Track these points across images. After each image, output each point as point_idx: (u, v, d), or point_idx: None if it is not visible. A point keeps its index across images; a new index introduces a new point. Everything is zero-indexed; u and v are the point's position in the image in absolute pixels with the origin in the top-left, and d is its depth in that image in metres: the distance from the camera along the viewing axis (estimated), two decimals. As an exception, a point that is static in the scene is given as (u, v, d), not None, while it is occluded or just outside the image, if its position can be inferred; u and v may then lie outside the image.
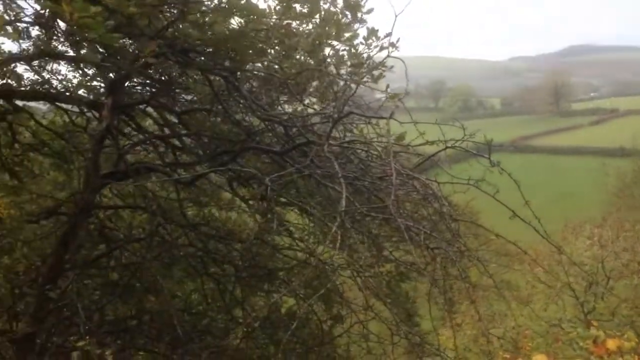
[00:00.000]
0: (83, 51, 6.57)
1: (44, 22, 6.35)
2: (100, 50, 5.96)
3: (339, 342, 6.78)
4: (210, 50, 5.32)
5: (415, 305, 7.97)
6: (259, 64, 5.92)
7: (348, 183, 4.35)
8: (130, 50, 5.50)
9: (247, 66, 5.79)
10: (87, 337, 4.65)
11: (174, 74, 6.29)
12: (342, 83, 5.71)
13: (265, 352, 6.69)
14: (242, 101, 5.79)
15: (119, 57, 5.55)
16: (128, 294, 6.21)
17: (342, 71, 5.75)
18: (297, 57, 5.56)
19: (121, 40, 5.77)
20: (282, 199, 6.16)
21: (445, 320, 11.02)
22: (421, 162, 5.09)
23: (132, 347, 6.11)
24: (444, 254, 4.75)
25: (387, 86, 4.78)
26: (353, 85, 5.33)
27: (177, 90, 6.56)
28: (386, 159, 4.58)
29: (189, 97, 6.91)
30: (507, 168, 4.65)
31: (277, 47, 5.39)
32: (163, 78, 6.34)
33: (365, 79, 5.54)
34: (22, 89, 6.27)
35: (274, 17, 5.00)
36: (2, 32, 4.31)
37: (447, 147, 4.77)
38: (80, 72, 7.03)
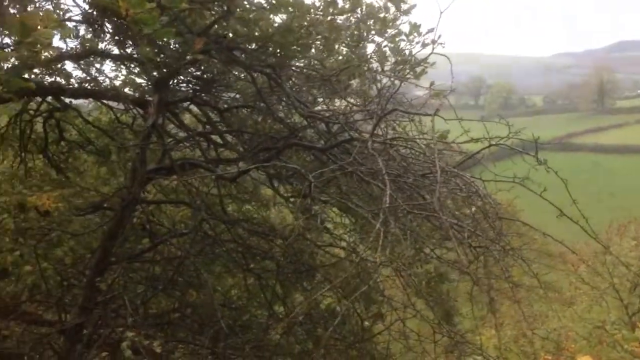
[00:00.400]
0: (129, 50, 6.75)
1: (92, 21, 6.52)
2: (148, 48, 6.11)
3: (378, 339, 6.76)
4: (254, 47, 5.37)
5: (457, 304, 7.89)
6: (300, 62, 5.96)
7: (391, 180, 4.33)
8: (175, 48, 5.60)
9: (290, 63, 5.84)
10: (134, 329, 4.76)
11: (216, 71, 6.37)
12: (385, 80, 5.69)
13: (305, 348, 6.71)
14: (284, 98, 5.82)
15: (164, 55, 5.66)
16: (171, 288, 6.32)
17: (385, 68, 5.74)
18: (339, 54, 5.57)
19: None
20: (324, 197, 6.19)
21: (485, 320, 10.90)
22: (464, 159, 5.03)
23: (175, 340, 6.21)
24: (487, 252, 4.69)
25: (432, 83, 4.74)
26: (396, 82, 5.30)
27: (219, 88, 6.63)
28: (430, 156, 4.54)
29: (231, 95, 6.99)
30: (551, 166, 4.56)
31: (319, 43, 5.40)
32: (206, 76, 6.43)
33: (407, 76, 5.52)
34: (71, 86, 6.45)
35: (319, 12, 5.01)
36: (55, 32, 4.41)
37: (491, 145, 4.71)
38: (126, 70, 7.21)
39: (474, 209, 5.07)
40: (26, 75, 5.41)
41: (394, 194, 4.37)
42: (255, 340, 6.45)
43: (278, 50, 5.25)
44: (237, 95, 6.68)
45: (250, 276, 6.38)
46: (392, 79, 5.20)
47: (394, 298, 6.59)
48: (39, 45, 4.23)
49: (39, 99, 7.35)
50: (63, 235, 6.87)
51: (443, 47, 5.16)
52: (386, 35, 5.59)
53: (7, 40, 5.18)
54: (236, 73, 6.40)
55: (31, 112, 7.40)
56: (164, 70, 5.66)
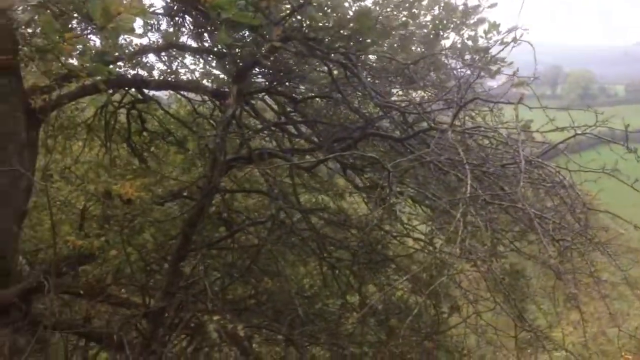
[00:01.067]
0: (207, 43, 6.92)
1: (173, 14, 6.73)
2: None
3: (452, 332, 6.69)
4: (331, 37, 5.39)
5: (530, 299, 7.69)
6: (373, 55, 5.94)
7: (470, 171, 4.25)
8: (252, 38, 5.70)
9: (364, 55, 5.83)
10: (215, 314, 4.91)
11: (292, 62, 6.43)
12: (461, 70, 5.60)
13: (378, 338, 6.72)
14: (360, 88, 5.81)
15: (241, 45, 5.78)
16: (247, 275, 6.47)
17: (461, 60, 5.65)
18: (418, 41, 5.51)
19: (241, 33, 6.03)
20: (399, 187, 6.14)
21: (562, 316, 10.53)
22: (548, 149, 4.87)
23: (253, 326, 6.37)
24: (572, 246, 4.53)
25: (516, 70, 4.60)
26: (474, 72, 5.20)
27: (294, 79, 6.70)
28: (512, 146, 4.43)
29: (305, 86, 7.04)
30: (632, 157, 4.34)
31: (397, 32, 5.35)
32: (281, 67, 6.50)
33: (486, 68, 5.40)
34: (153, 79, 6.69)
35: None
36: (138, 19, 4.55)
37: (577, 134, 4.54)
38: (204, 62, 7.41)
39: (557, 201, 4.92)
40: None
41: (473, 185, 4.29)
42: (328, 329, 6.52)
43: (356, 38, 5.24)
44: (312, 86, 6.73)
45: (324, 265, 6.43)
46: (472, 68, 5.08)
47: (469, 291, 6.49)
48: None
49: (122, 91, 7.69)
50: (145, 222, 7.16)
51: (519, 43, 5.04)
52: (464, 28, 5.52)
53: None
54: (308, 65, 6.45)
55: (115, 103, 7.74)
56: (242, 62, 5.77)
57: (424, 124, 5.61)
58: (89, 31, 4.94)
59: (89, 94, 7.08)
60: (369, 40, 4.93)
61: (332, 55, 5.44)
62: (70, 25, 4.26)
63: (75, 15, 4.88)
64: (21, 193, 6.54)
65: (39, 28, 3.94)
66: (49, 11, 3.47)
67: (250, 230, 6.24)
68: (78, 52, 3.69)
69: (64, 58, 3.94)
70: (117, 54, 4.63)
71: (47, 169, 7.04)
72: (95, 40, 4.42)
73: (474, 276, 6.25)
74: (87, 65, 3.91)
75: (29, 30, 4.44)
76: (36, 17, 3.51)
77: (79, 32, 4.97)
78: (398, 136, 5.14)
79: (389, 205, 5.76)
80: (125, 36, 5.47)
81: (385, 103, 5.57)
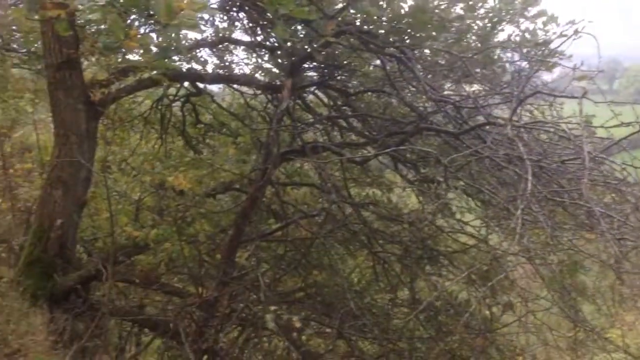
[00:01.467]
0: (260, 37, 6.99)
1: (228, 9, 6.81)
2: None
3: (505, 330, 6.58)
4: (384, 31, 5.37)
5: (581, 299, 7.50)
6: (427, 49, 5.88)
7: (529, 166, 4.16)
8: (306, 32, 5.72)
9: (423, 45, 5.77)
10: (270, 305, 4.98)
11: (344, 56, 6.43)
12: (519, 64, 5.50)
13: (427, 334, 6.68)
14: (414, 83, 5.76)
15: (296, 40, 5.80)
16: (298, 267, 6.52)
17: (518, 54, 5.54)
18: (475, 34, 5.43)
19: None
20: (451, 181, 6.08)
21: (617, 317, 10.23)
22: (610, 145, 4.72)
23: (306, 318, 6.43)
24: (637, 246, 4.38)
25: (579, 64, 4.47)
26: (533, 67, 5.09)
27: (348, 73, 6.69)
28: (575, 142, 4.32)
29: (357, 80, 7.03)
30: None
31: (454, 25, 5.28)
32: (334, 61, 6.51)
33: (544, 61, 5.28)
34: (208, 73, 6.80)
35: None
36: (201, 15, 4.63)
37: (643, 130, 4.38)
38: (256, 57, 7.49)
39: (618, 198, 4.78)
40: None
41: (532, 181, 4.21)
42: (378, 323, 6.51)
43: (409, 32, 5.20)
44: (363, 80, 6.71)
45: (374, 259, 6.42)
46: (531, 62, 4.97)
47: (524, 288, 6.37)
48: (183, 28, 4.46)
49: (177, 84, 7.86)
50: (197, 214, 7.30)
51: (580, 36, 4.91)
52: (522, 21, 5.41)
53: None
54: (361, 59, 6.43)
55: (170, 97, 7.92)
56: (295, 55, 5.80)
57: (479, 119, 5.54)
58: (149, 28, 5.05)
59: (146, 87, 7.26)
60: (424, 35, 4.88)
61: (386, 49, 5.42)
62: (132, 23, 4.37)
63: (136, 12, 5.00)
64: (81, 183, 6.77)
65: (102, 26, 4.05)
66: (115, 10, 3.57)
67: (302, 223, 6.27)
68: (142, 48, 3.78)
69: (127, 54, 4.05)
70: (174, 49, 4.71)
71: (106, 161, 7.25)
72: (154, 37, 4.52)
73: (527, 273, 6.13)
74: (150, 60, 4.01)
75: (93, 28, 4.56)
76: (101, 16, 3.61)
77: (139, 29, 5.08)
78: (454, 131, 5.07)
79: (441, 201, 5.73)
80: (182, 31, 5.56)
81: (439, 97, 5.51)
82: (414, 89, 6.07)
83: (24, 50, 9.65)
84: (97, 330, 6.53)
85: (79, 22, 4.16)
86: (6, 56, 11.23)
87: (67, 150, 6.53)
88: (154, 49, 3.99)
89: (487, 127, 4.99)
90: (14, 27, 9.97)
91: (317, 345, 7.34)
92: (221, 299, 5.69)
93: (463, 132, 4.99)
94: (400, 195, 7.47)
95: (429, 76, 6.00)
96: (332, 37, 4.87)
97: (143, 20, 5.32)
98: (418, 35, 4.99)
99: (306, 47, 5.20)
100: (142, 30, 5.40)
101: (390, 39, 5.43)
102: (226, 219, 7.32)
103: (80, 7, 3.17)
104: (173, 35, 4.10)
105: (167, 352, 8.54)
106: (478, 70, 5.82)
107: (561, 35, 5.06)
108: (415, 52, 5.74)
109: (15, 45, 11.17)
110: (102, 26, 4.00)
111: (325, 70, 6.61)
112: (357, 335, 6.02)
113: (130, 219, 7.15)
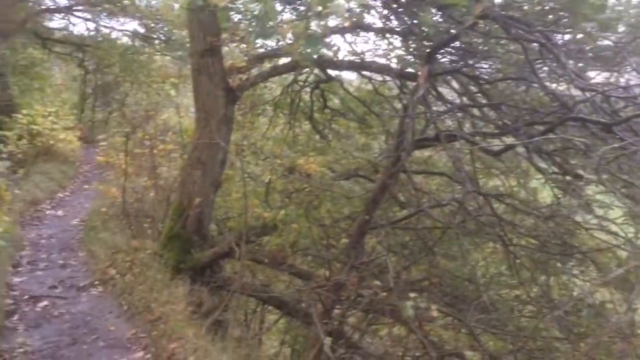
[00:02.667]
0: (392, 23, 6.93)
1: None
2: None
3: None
4: (533, 14, 5.13)
5: None
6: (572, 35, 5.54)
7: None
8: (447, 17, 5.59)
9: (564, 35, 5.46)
10: (396, 292, 4.97)
11: (479, 42, 6.22)
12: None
13: (566, 335, 6.37)
14: (558, 70, 5.45)
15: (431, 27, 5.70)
16: (425, 257, 6.46)
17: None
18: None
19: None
20: (590, 175, 5.72)
21: None
22: None
23: (426, 308, 6.35)
24: None
25: None
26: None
27: (482, 60, 6.48)
28: None
29: (491, 67, 6.79)
30: None
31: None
32: (468, 48, 6.31)
33: None
34: (343, 60, 6.86)
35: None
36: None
37: None
38: (387, 43, 7.43)
39: None
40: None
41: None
42: (504, 319, 6.30)
43: (560, 14, 4.92)
44: (500, 67, 6.46)
45: (506, 253, 6.19)
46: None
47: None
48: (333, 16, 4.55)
49: (307, 71, 8.03)
50: (325, 198, 7.45)
51: None
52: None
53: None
54: (499, 45, 6.18)
55: (300, 83, 8.12)
56: (432, 42, 5.69)
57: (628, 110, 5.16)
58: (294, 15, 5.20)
59: (280, 73, 7.50)
60: (580, 14, 4.59)
61: (530, 35, 5.17)
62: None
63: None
64: (218, 165, 7.14)
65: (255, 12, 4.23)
66: None
67: (432, 212, 6.18)
68: (292, 35, 3.91)
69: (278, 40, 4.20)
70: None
71: (240, 144, 7.58)
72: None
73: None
74: (296, 48, 4.13)
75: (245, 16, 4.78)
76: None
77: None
78: (608, 121, 4.74)
79: (586, 196, 5.40)
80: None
81: (587, 86, 5.17)
82: (556, 76, 5.75)
83: (165, 39, 10.34)
84: (228, 305, 6.88)
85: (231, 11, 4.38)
86: (150, 44, 12.08)
87: (207, 133, 6.91)
88: (302, 37, 4.11)
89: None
90: (157, 17, 10.72)
91: (438, 335, 7.26)
92: (350, 282, 5.77)
93: (617, 123, 4.65)
94: (534, 188, 7.15)
95: (572, 63, 5.66)
96: (478, 19, 4.73)
97: (292, 7, 5.50)
98: (569, 17, 4.71)
99: (446, 32, 5.09)
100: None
101: (535, 24, 5.18)
102: (352, 204, 7.39)
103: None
104: (322, 22, 4.21)
105: (290, 332, 8.87)
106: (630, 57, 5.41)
107: None
108: (559, 38, 5.45)
109: (155, 35, 12.01)
110: (255, 13, 4.19)
111: (460, 58, 6.43)
112: (486, 329, 5.85)
113: (261, 200, 7.44)
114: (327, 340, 4.90)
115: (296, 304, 6.79)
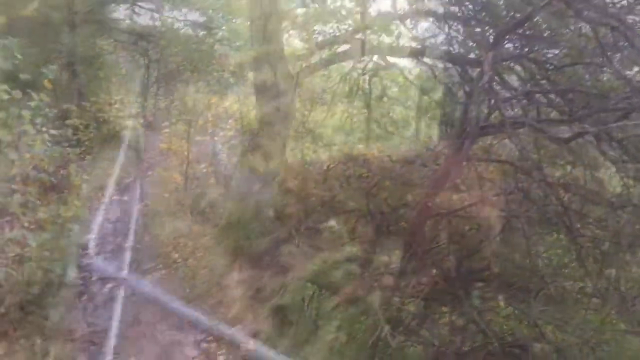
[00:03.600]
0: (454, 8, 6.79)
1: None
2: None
3: None
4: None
5: None
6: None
7: None
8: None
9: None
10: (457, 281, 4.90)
11: (545, 27, 6.02)
12: None
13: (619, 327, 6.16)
14: (632, 55, 5.21)
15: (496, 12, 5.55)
16: (486, 247, 6.33)
17: None
18: None
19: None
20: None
21: None
22: None
23: (486, 298, 6.25)
24: None
25: None
26: None
27: (549, 45, 6.26)
28: None
29: (558, 52, 6.55)
30: None
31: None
32: (534, 33, 6.11)
33: None
34: (401, 46, 6.79)
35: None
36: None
37: None
38: (448, 28, 7.29)
39: None
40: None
41: None
42: (567, 311, 6.12)
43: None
44: (568, 52, 6.22)
45: (573, 244, 5.99)
46: None
47: None
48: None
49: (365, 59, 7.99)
50: (382, 183, 7.40)
51: None
52: None
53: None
54: (567, 29, 5.96)
55: (359, 70, 8.09)
56: (497, 27, 5.55)
57: None
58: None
59: (340, 61, 7.50)
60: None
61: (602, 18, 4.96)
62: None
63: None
64: (278, 151, 7.23)
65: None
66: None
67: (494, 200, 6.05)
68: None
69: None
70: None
71: (299, 130, 7.63)
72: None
73: None
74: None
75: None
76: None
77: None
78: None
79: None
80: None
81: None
82: (629, 61, 5.50)
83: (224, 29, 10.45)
84: (286, 291, 6.97)
85: None
86: (210, 35, 12.27)
87: (267, 120, 7.01)
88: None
89: None
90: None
91: (498, 325, 7.12)
92: (407, 270, 5.74)
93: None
94: (602, 177, 6.87)
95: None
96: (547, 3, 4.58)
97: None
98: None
99: (513, 16, 4.95)
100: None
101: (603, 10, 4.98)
102: (409, 191, 7.30)
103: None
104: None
105: (348, 319, 8.86)
106: None
107: None
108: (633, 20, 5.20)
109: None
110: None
111: (525, 43, 6.23)
112: (551, 321, 5.69)
113: (319, 185, 7.46)
114: (387, 328, 4.90)
115: (354, 291, 6.79)
